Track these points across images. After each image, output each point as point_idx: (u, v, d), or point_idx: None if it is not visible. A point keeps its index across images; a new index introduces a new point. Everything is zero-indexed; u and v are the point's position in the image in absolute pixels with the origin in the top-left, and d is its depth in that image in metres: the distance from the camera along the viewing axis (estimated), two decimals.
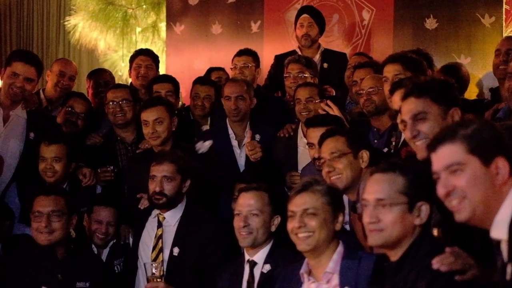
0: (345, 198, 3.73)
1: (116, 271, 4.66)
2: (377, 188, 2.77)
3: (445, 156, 2.35)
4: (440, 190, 2.35)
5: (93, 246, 4.68)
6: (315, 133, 4.39)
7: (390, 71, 4.19)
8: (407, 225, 2.74)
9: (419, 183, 2.76)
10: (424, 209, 2.75)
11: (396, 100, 3.54)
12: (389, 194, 2.74)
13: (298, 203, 3.22)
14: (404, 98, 3.11)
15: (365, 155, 3.78)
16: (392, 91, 3.68)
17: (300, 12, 6.54)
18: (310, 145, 4.54)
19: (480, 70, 6.70)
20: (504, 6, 6.94)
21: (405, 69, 4.11)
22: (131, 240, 4.67)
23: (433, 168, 2.39)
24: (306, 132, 4.67)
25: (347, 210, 3.64)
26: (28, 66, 5.01)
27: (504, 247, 2.27)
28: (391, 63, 4.21)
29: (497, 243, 2.30)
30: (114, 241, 4.72)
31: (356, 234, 3.69)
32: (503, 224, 2.25)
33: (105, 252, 4.69)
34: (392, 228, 2.73)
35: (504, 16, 6.91)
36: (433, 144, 2.41)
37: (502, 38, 6.06)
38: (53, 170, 4.82)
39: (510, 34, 7.01)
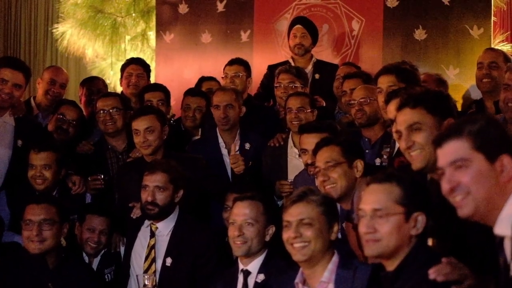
0: (338, 206, 3.74)
1: (107, 280, 4.63)
2: (374, 198, 2.78)
3: (450, 151, 2.35)
4: (445, 186, 2.36)
5: (83, 254, 4.65)
6: (308, 140, 4.43)
7: (384, 82, 4.20)
8: (404, 235, 2.75)
9: (416, 193, 2.77)
10: (420, 219, 2.76)
11: (391, 110, 3.55)
12: (386, 204, 2.75)
13: (294, 213, 3.22)
14: (399, 108, 3.12)
15: (359, 164, 3.80)
16: (387, 101, 3.70)
17: (294, 23, 6.56)
18: (303, 151, 4.55)
19: (468, 81, 6.74)
20: (492, 18, 7.01)
21: (399, 80, 4.12)
22: (122, 248, 4.65)
23: (438, 163, 2.39)
24: (300, 138, 4.68)
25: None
26: (17, 72, 4.99)
27: (507, 244, 2.28)
28: (385, 75, 4.22)
29: (500, 240, 2.31)
30: (105, 249, 4.69)
31: (350, 243, 3.70)
32: (508, 220, 2.25)
33: (96, 260, 4.66)
34: (389, 238, 2.74)
35: (492, 27, 6.97)
36: (439, 140, 2.41)
37: (483, 51, 6.08)
38: (43, 177, 4.79)
39: (497, 46, 7.07)
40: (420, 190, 2.80)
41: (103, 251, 4.68)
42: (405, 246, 2.76)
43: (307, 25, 6.49)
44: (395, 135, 3.24)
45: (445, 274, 2.62)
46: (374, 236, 2.75)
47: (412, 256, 2.75)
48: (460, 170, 2.33)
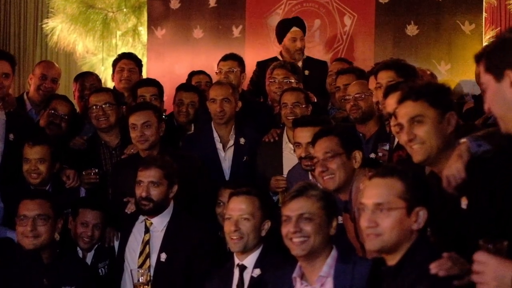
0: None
1: (101, 274, 4.60)
2: (376, 192, 2.76)
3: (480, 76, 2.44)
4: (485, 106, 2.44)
5: (77, 248, 4.62)
6: (303, 133, 4.45)
7: (384, 78, 4.20)
8: (405, 230, 2.74)
9: (418, 188, 2.76)
10: (422, 214, 2.75)
11: (390, 103, 3.54)
12: (388, 198, 2.73)
13: (294, 208, 3.21)
14: (401, 101, 3.08)
15: (358, 155, 3.77)
16: (386, 95, 3.69)
17: (290, 24, 6.47)
18: (297, 144, 4.56)
19: (460, 77, 6.77)
20: (484, 13, 7.04)
21: (398, 76, 4.12)
22: (116, 243, 4.62)
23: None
24: (294, 132, 4.67)
25: None
26: (2, 61, 4.96)
27: None
28: (385, 70, 4.22)
29: None
30: (99, 244, 4.66)
31: (348, 234, 3.69)
32: None
33: (90, 255, 4.62)
34: (390, 232, 2.73)
35: (484, 23, 7.00)
36: (477, 58, 2.46)
37: (483, 46, 6.09)
38: (38, 171, 4.75)
39: (489, 42, 7.09)
40: (422, 185, 2.78)
41: (96, 245, 4.64)
42: (406, 240, 2.75)
43: (302, 27, 6.46)
44: (394, 129, 3.23)
45: (446, 269, 2.62)
46: (375, 231, 2.73)
47: (413, 251, 2.74)
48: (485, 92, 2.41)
